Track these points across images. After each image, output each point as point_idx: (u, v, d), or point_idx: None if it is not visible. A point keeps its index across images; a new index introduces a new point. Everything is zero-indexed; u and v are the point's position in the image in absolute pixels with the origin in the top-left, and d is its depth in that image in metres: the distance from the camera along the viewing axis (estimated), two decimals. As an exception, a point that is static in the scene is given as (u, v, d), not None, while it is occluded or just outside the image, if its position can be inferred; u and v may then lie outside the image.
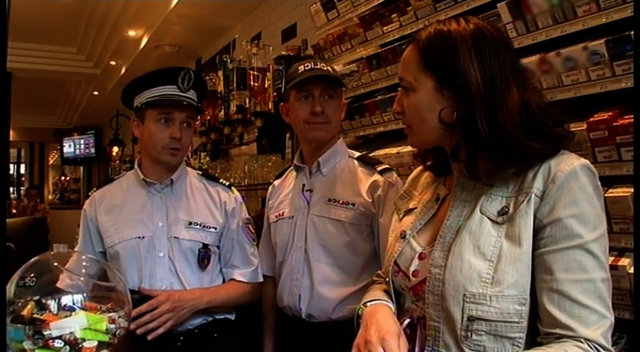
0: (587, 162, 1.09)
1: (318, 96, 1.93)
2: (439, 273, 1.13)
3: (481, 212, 1.13)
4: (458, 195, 1.20)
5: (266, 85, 3.71)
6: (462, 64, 1.11)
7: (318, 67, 1.95)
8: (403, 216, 1.36)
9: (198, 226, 1.97)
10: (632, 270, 1.46)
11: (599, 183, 1.09)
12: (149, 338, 1.78)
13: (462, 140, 1.14)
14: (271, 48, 3.93)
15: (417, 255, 1.23)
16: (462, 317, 1.08)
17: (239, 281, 2.02)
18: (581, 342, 0.99)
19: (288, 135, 3.66)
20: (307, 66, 1.96)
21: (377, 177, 1.94)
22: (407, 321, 1.21)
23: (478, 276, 1.07)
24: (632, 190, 1.46)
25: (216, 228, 1.99)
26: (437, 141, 1.22)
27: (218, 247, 2.02)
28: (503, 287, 1.05)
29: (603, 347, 0.99)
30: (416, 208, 1.33)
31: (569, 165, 1.07)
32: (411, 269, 1.22)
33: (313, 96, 1.93)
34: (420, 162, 1.39)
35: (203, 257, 1.96)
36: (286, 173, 2.20)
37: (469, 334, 1.08)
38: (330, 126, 1.96)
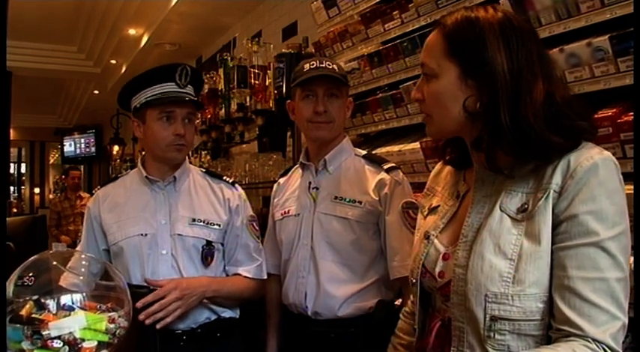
0: (609, 155, 1.05)
1: (322, 95, 1.93)
2: (462, 273, 1.11)
3: (501, 209, 1.10)
4: (478, 190, 1.18)
5: (267, 83, 3.69)
6: (489, 52, 1.08)
7: (324, 65, 1.94)
8: (427, 215, 1.34)
9: (201, 223, 1.96)
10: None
11: (621, 177, 1.05)
12: (158, 327, 1.76)
13: (484, 131, 1.10)
14: (272, 46, 3.92)
15: (441, 256, 1.21)
16: (485, 317, 1.07)
17: (244, 276, 2.01)
18: (589, 342, 0.97)
19: (289, 133, 3.65)
20: (313, 64, 1.95)
21: (383, 175, 1.94)
22: (439, 324, 1.20)
23: (499, 276, 1.05)
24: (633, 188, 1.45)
25: (219, 225, 1.98)
26: (457, 130, 1.18)
27: (222, 244, 2.01)
28: (524, 286, 1.04)
29: (611, 349, 0.97)
30: (439, 206, 1.30)
31: (589, 159, 1.03)
32: (437, 270, 1.21)
33: (317, 95, 1.93)
34: (439, 157, 1.36)
35: (207, 254, 1.95)
36: (292, 171, 2.20)
37: (492, 334, 1.06)
38: (334, 125, 1.95)
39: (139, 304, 1.75)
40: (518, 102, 1.06)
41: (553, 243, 1.04)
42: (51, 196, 13.80)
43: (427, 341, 1.23)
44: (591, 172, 1.02)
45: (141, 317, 1.73)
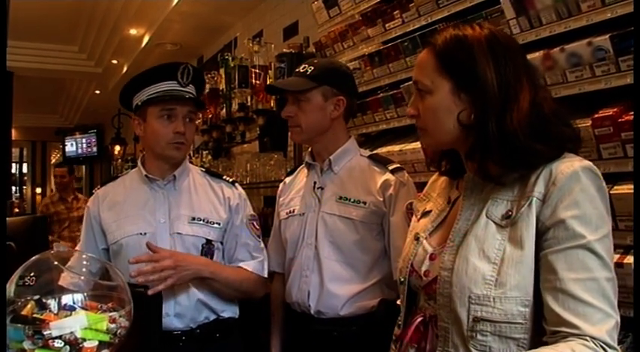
0: (590, 164, 1.10)
1: (290, 101, 1.98)
2: (447, 276, 1.15)
3: (487, 216, 1.15)
4: (467, 198, 1.22)
5: (268, 83, 3.70)
6: (479, 67, 1.14)
7: (298, 69, 2.00)
8: (420, 218, 1.39)
9: (201, 222, 1.96)
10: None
11: (603, 184, 1.09)
12: (149, 292, 1.75)
13: (477, 142, 1.15)
14: (273, 45, 3.92)
15: (428, 256, 1.26)
16: (468, 318, 1.10)
17: (244, 269, 2.02)
18: (587, 340, 0.99)
19: (290, 133, 3.66)
20: (296, 69, 2.02)
21: (388, 176, 1.95)
22: (419, 319, 1.25)
23: (482, 278, 1.10)
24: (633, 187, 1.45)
25: (219, 224, 1.99)
26: (452, 142, 1.23)
27: (222, 243, 2.02)
28: (506, 289, 1.07)
29: (609, 346, 0.99)
30: (431, 211, 1.36)
31: (570, 167, 1.08)
32: (423, 269, 1.25)
33: (288, 101, 1.99)
34: (436, 169, 1.41)
35: (206, 253, 1.96)
36: (298, 170, 2.21)
37: (475, 334, 1.10)
38: (301, 129, 1.98)
39: (132, 259, 1.76)
40: (505, 112, 1.11)
41: (541, 249, 1.08)
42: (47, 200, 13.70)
43: (405, 334, 1.27)
44: (573, 179, 1.07)
45: (132, 273, 1.72)
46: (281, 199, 2.18)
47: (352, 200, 1.94)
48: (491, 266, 1.10)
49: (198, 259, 1.91)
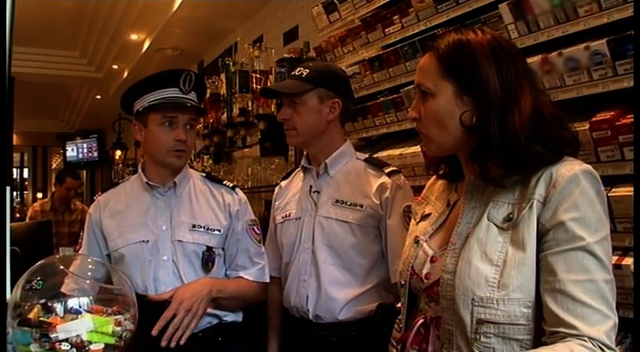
0: (589, 167, 1.12)
1: (286, 104, 1.98)
2: (450, 279, 1.16)
3: (488, 219, 1.16)
4: (468, 201, 1.24)
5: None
6: (482, 71, 1.16)
7: (294, 72, 2.00)
8: (419, 221, 1.40)
9: (202, 229, 1.96)
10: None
11: (601, 187, 1.11)
12: (182, 342, 1.78)
13: (478, 144, 1.17)
14: (273, 50, 3.94)
15: (429, 259, 1.27)
16: (472, 321, 1.12)
17: (245, 279, 2.02)
18: (585, 341, 1.00)
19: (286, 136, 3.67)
20: (291, 73, 2.03)
21: (385, 179, 1.94)
22: (421, 322, 1.26)
23: (485, 281, 1.11)
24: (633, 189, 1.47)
25: (220, 231, 1.99)
26: (455, 146, 1.24)
27: (223, 249, 2.02)
28: (508, 291, 1.09)
29: (607, 346, 1.01)
30: (430, 214, 1.37)
31: (570, 170, 1.10)
32: (424, 271, 1.27)
33: (284, 104, 1.99)
34: (434, 172, 1.42)
35: (207, 260, 1.96)
36: (293, 174, 2.21)
37: (478, 337, 1.11)
38: (297, 132, 1.97)
39: (154, 332, 1.76)
40: (507, 115, 1.13)
41: (541, 250, 1.09)
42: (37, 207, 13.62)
43: (407, 337, 1.29)
44: (573, 182, 1.08)
45: (163, 343, 1.75)
46: (276, 203, 2.17)
47: (349, 203, 1.94)
48: (493, 268, 1.11)
49: (202, 283, 1.89)
